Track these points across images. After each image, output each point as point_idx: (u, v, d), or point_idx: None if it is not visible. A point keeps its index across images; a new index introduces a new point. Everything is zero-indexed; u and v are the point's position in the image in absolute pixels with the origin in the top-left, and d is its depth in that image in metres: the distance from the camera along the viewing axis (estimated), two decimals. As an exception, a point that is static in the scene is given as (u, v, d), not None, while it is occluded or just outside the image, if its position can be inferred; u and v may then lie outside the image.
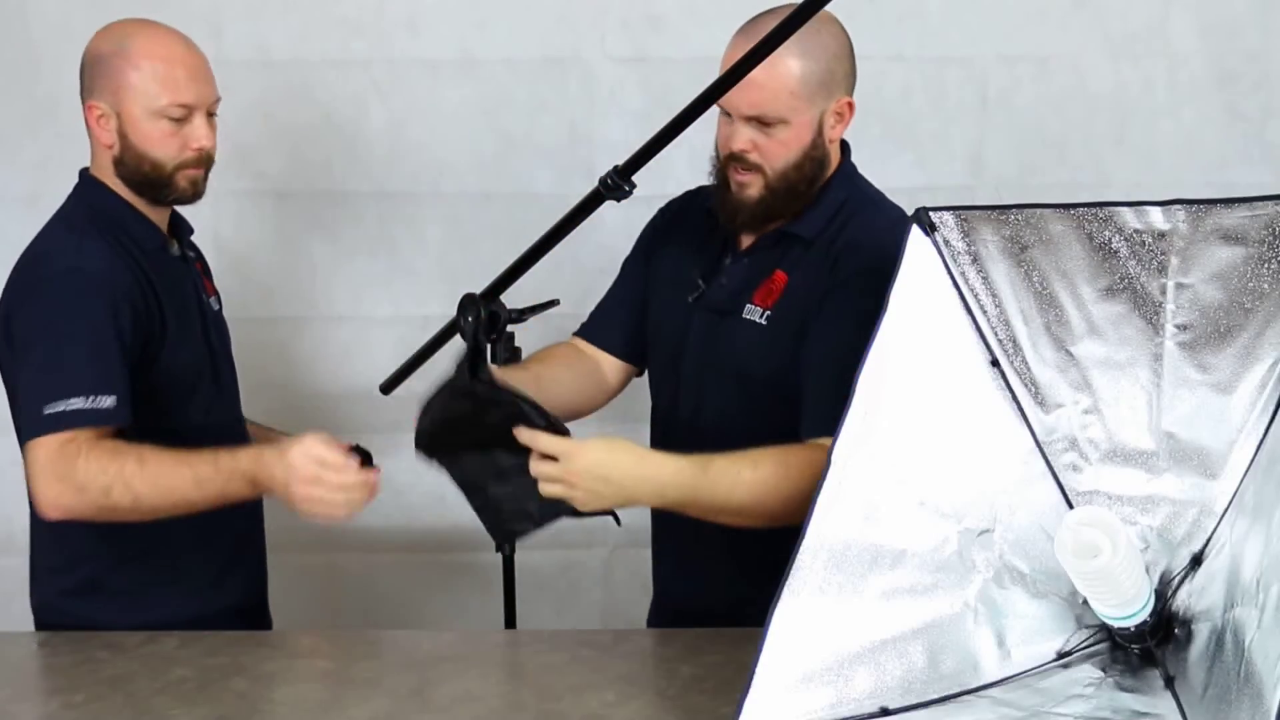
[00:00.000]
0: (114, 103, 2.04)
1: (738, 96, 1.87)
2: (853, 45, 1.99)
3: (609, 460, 1.78)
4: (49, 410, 1.89)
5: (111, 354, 1.95)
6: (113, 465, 1.87)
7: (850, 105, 1.99)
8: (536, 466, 1.77)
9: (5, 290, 2.06)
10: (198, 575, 2.14)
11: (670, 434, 2.13)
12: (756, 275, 2.01)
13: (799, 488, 1.74)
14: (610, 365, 2.27)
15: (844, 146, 2.08)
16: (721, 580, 2.07)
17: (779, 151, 1.93)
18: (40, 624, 2.18)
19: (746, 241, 2.05)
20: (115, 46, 2.04)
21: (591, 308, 2.80)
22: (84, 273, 1.98)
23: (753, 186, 1.95)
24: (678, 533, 2.11)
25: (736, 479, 1.79)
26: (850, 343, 1.64)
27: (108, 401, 1.91)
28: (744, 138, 1.93)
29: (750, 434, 1.96)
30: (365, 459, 1.92)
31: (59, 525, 1.97)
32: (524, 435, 1.79)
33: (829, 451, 1.51)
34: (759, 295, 2.00)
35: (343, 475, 1.86)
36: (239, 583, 2.22)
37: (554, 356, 2.26)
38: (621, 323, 2.26)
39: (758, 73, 1.82)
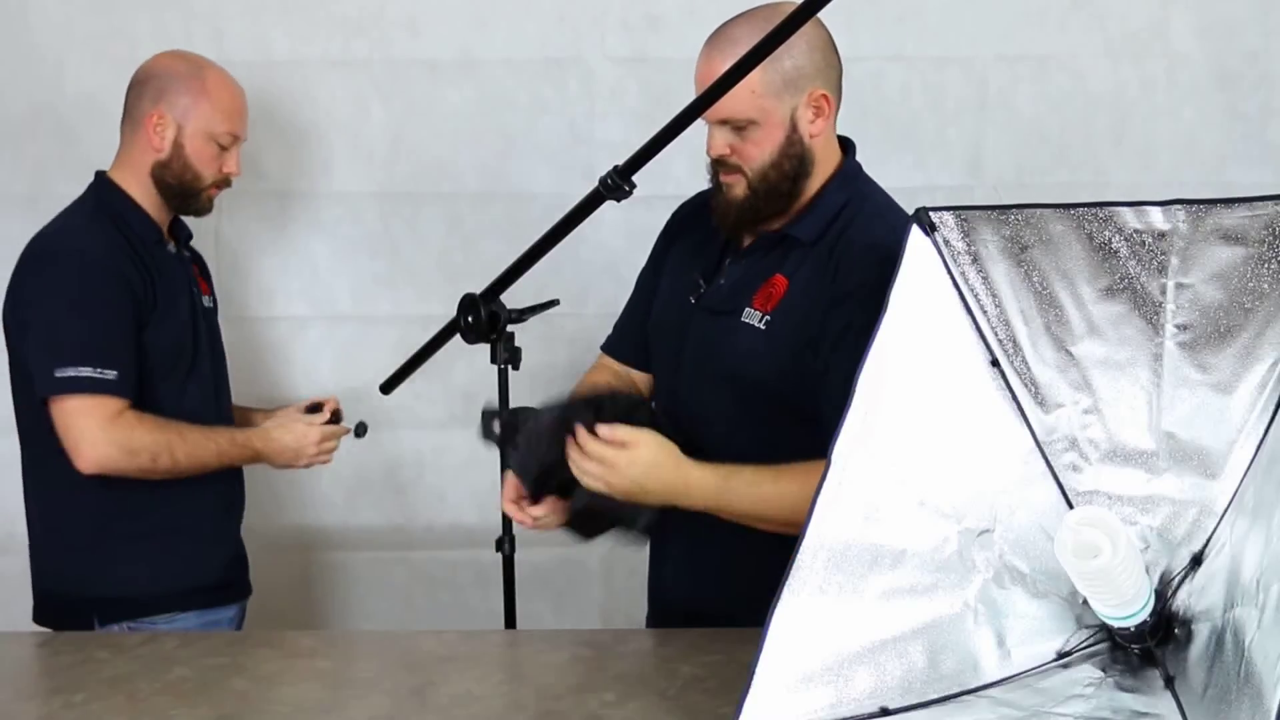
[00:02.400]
0: (181, 116, 2.33)
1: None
2: (830, 38, 1.94)
3: (656, 461, 1.84)
4: (60, 374, 2.19)
5: (113, 330, 2.24)
6: (162, 437, 2.25)
7: (826, 98, 1.95)
8: (587, 458, 1.83)
9: (15, 275, 2.33)
10: (182, 541, 2.37)
11: (671, 433, 2.07)
12: (756, 277, 2.00)
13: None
14: (640, 378, 2.28)
15: (848, 147, 2.07)
16: (720, 582, 2.07)
17: (754, 152, 1.94)
18: (36, 590, 2.39)
19: (747, 242, 2.05)
20: (192, 71, 2.36)
21: (592, 307, 2.81)
22: (87, 253, 2.26)
23: (737, 187, 1.97)
24: (677, 536, 2.12)
25: (759, 492, 1.86)
26: (847, 365, 1.63)
27: (111, 374, 2.21)
28: (720, 142, 1.95)
29: (746, 435, 1.99)
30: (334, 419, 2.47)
31: (47, 481, 2.34)
32: (579, 441, 1.84)
33: (829, 451, 1.51)
34: (759, 299, 1.99)
35: (323, 441, 2.44)
36: (217, 548, 2.44)
37: (591, 384, 2.27)
38: (641, 336, 2.26)
39: (711, 73, 1.87)
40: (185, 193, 2.36)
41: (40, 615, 2.38)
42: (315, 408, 2.48)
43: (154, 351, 2.30)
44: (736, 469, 1.89)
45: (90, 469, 2.22)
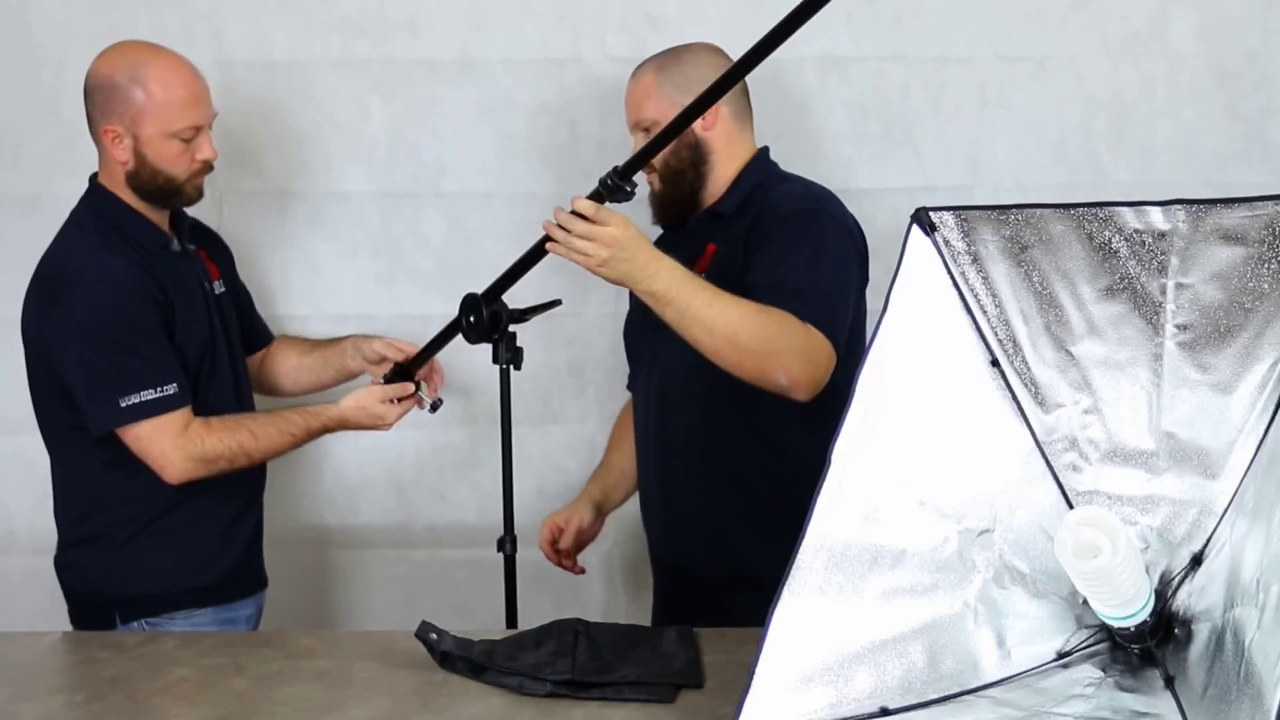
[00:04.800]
0: (131, 126, 2.26)
1: (626, 116, 2.36)
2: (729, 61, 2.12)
3: (638, 237, 2.02)
4: (125, 403, 2.21)
5: (159, 346, 2.25)
6: (233, 441, 2.28)
7: None
8: (572, 224, 1.99)
9: (34, 299, 2.31)
10: (203, 534, 2.38)
11: (644, 403, 2.40)
12: (695, 252, 2.26)
13: (766, 331, 2.03)
14: None
15: (763, 150, 2.39)
16: (688, 535, 2.34)
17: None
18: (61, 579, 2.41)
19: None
20: (129, 75, 2.25)
21: (592, 307, 2.82)
22: (115, 282, 2.24)
23: (655, 182, 2.34)
24: (655, 491, 2.39)
25: (716, 294, 2.03)
26: (788, 261, 2.13)
27: (171, 388, 2.23)
28: (638, 144, 2.22)
29: (701, 395, 2.25)
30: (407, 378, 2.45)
31: (78, 489, 2.35)
32: (564, 224, 2.00)
33: (829, 451, 1.51)
34: (697, 267, 2.20)
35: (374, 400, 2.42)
36: (238, 542, 2.44)
37: (624, 439, 2.54)
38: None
39: (626, 92, 2.36)
40: (166, 193, 2.31)
41: (73, 617, 2.38)
42: (402, 373, 2.47)
43: (181, 356, 2.30)
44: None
45: (177, 483, 2.26)
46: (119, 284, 2.24)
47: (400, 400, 2.43)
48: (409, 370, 2.46)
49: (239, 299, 2.58)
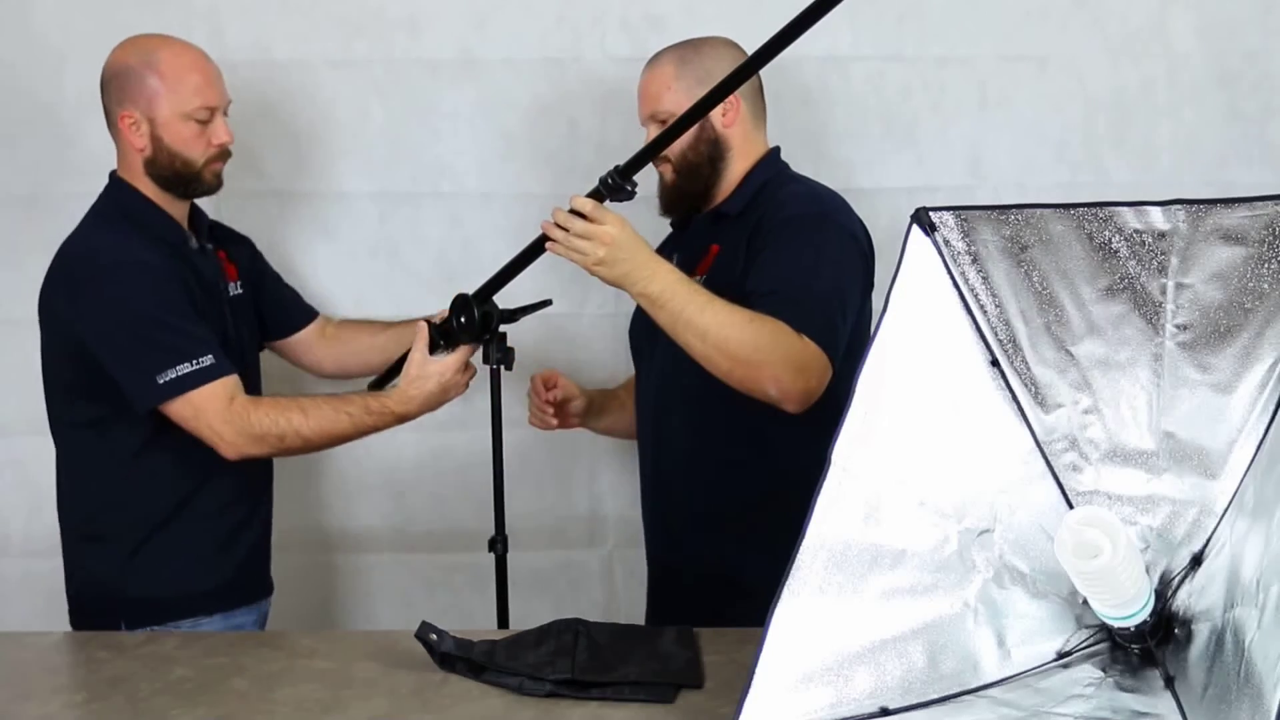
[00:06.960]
0: (147, 110, 2.28)
1: (639, 107, 2.34)
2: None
3: (635, 239, 2.05)
4: (162, 379, 2.18)
5: (192, 323, 2.24)
6: (282, 417, 2.23)
7: (734, 96, 2.17)
8: (570, 222, 2.03)
9: (58, 288, 2.28)
10: (207, 539, 2.36)
11: (642, 405, 2.42)
12: (699, 252, 2.30)
13: (758, 340, 2.02)
14: None
15: (774, 149, 2.39)
16: (676, 535, 2.36)
17: (677, 141, 2.15)
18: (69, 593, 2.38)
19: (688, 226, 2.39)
20: (143, 60, 2.29)
21: (590, 308, 2.82)
22: (141, 264, 2.24)
23: (667, 174, 2.33)
24: (648, 490, 2.41)
25: (710, 301, 2.05)
26: (788, 269, 2.12)
27: (207, 359, 2.20)
28: (652, 137, 2.21)
29: (695, 400, 2.23)
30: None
31: (86, 488, 2.32)
32: (562, 223, 2.04)
33: (829, 451, 1.51)
34: (700, 268, 2.25)
35: (452, 374, 2.30)
36: (243, 548, 2.42)
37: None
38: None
39: (642, 83, 2.33)
40: (184, 179, 2.31)
41: (74, 619, 2.37)
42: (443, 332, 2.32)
43: None
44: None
45: (235, 459, 2.23)
46: (145, 265, 2.24)
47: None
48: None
49: (264, 289, 2.57)
